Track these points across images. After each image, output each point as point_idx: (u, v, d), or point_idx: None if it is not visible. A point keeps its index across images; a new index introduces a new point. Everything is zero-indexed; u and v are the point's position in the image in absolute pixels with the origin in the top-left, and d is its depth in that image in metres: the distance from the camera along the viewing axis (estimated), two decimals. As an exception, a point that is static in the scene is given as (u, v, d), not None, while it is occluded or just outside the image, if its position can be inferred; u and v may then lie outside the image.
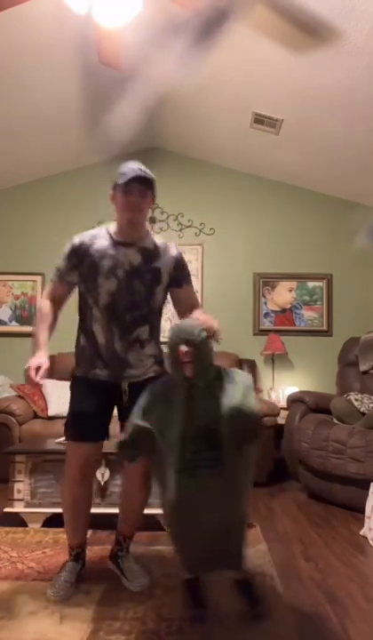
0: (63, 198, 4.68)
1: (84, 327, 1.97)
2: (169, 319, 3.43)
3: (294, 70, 3.06)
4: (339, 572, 2.12)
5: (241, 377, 1.69)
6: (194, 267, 4.44)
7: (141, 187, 1.85)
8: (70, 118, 3.79)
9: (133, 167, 1.87)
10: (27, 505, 2.67)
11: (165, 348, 1.64)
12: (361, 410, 3.34)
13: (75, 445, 1.90)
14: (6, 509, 2.67)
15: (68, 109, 3.70)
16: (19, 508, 2.66)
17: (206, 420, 1.57)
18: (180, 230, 4.61)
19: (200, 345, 1.58)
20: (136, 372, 1.92)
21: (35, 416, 3.77)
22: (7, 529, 2.56)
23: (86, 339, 1.95)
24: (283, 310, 4.62)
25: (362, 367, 3.89)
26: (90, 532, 2.44)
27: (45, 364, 1.80)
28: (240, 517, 1.68)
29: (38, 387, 1.85)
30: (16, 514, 2.66)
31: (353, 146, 3.77)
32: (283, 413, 3.74)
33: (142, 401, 1.70)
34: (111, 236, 1.94)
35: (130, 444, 1.65)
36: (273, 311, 4.62)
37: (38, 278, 4.62)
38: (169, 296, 2.04)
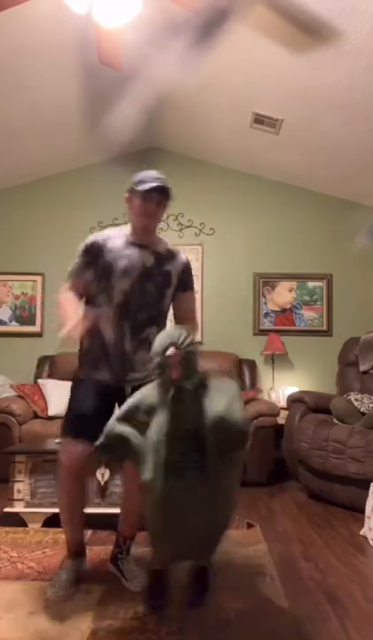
0: (63, 198, 4.68)
1: (93, 328, 1.96)
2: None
3: (294, 70, 3.06)
4: (339, 572, 2.12)
5: (226, 385, 1.71)
6: (194, 267, 4.39)
7: (160, 196, 1.92)
8: (70, 118, 3.79)
9: (153, 175, 1.92)
10: (27, 505, 2.67)
11: (152, 352, 1.65)
12: (361, 410, 3.34)
13: (73, 443, 1.89)
14: (6, 509, 2.67)
15: (68, 109, 3.70)
16: (19, 508, 2.66)
17: (193, 423, 1.58)
18: (180, 230, 4.61)
19: (186, 349, 1.61)
20: (139, 376, 1.93)
21: (35, 416, 3.77)
22: (7, 529, 2.56)
23: (93, 338, 1.95)
24: (283, 310, 4.62)
25: (362, 367, 3.90)
26: (90, 532, 2.45)
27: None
28: (223, 522, 1.70)
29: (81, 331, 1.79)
30: (16, 514, 2.66)
31: (353, 146, 3.77)
32: (283, 413, 3.75)
33: (126, 405, 1.70)
34: (126, 237, 1.99)
35: (105, 449, 1.67)
36: (273, 311, 4.62)
37: (38, 278, 4.62)
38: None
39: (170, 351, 1.59)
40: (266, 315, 4.62)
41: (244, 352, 4.45)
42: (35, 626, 1.64)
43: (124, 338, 1.92)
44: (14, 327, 4.62)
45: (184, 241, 4.54)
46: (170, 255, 2.04)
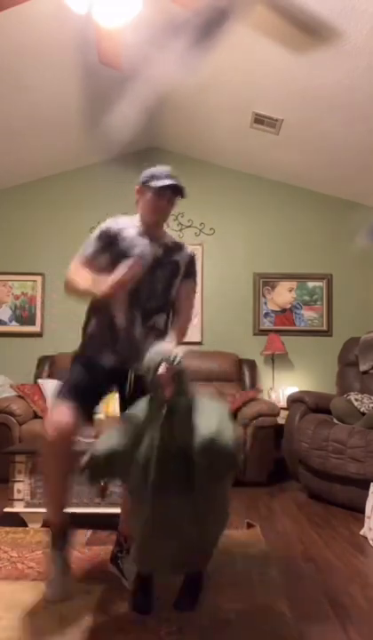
0: (63, 198, 4.68)
1: (100, 310, 1.98)
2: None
3: (294, 70, 3.06)
4: (339, 572, 2.12)
5: (217, 405, 1.70)
6: (194, 267, 4.44)
7: (172, 195, 1.98)
8: (70, 118, 3.79)
9: (167, 172, 1.97)
10: (28, 505, 2.67)
11: (144, 369, 1.63)
12: (361, 410, 3.34)
13: (63, 408, 1.81)
14: (6, 509, 2.67)
15: (68, 109, 3.70)
16: (19, 507, 2.66)
17: (183, 442, 1.56)
18: (180, 230, 4.61)
19: (179, 367, 1.60)
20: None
21: (35, 416, 3.77)
22: (7, 529, 2.56)
23: (102, 322, 1.96)
24: (283, 310, 4.62)
25: (362, 367, 3.89)
26: (90, 532, 2.45)
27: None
28: (211, 538, 1.69)
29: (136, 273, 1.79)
30: (16, 514, 2.66)
31: (353, 146, 3.77)
32: (283, 413, 3.75)
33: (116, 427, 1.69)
34: (137, 228, 2.03)
35: (93, 474, 1.67)
36: (273, 311, 4.62)
37: (38, 278, 4.62)
38: None
39: (162, 368, 1.58)
40: (266, 315, 4.62)
41: (244, 352, 4.45)
42: (35, 626, 1.64)
43: (134, 324, 1.94)
44: (14, 327, 4.62)
45: (184, 241, 4.49)
46: (177, 247, 2.11)
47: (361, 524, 2.60)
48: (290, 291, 4.62)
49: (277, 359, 4.47)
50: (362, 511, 2.61)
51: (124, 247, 1.96)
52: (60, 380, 1.97)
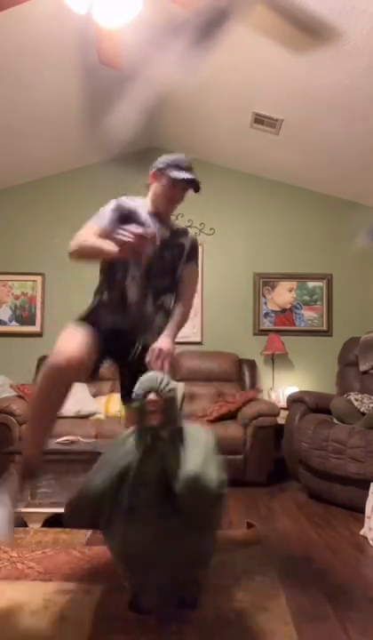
0: (63, 198, 4.68)
1: (114, 283, 2.00)
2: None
3: (294, 70, 3.06)
4: (339, 572, 2.12)
5: (204, 437, 1.68)
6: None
7: (187, 187, 2.01)
8: (70, 118, 3.79)
9: (187, 164, 1.99)
10: (28, 505, 2.66)
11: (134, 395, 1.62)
12: (361, 410, 3.34)
13: (79, 338, 1.78)
14: (6, 509, 2.66)
15: (68, 109, 3.70)
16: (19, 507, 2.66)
17: (165, 472, 1.55)
18: (180, 230, 4.60)
19: (168, 396, 1.60)
20: (151, 339, 1.97)
21: (35, 416, 3.76)
22: (7, 529, 2.56)
23: (113, 295, 1.98)
24: (283, 310, 4.62)
25: (362, 367, 3.89)
26: (90, 532, 2.45)
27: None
28: (194, 565, 1.67)
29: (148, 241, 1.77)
30: (16, 514, 2.66)
31: (353, 146, 3.77)
32: (283, 413, 3.75)
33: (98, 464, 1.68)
34: (148, 208, 2.06)
35: (69, 517, 1.67)
36: (273, 311, 4.62)
37: (38, 278, 4.62)
38: None
39: (151, 396, 1.57)
40: (266, 315, 4.62)
41: (244, 352, 4.45)
42: (35, 626, 1.64)
43: (146, 300, 1.99)
44: (14, 327, 4.62)
45: (184, 241, 4.54)
46: (183, 231, 2.16)
47: (361, 524, 2.60)
48: (290, 291, 4.63)
49: (277, 359, 4.47)
50: (362, 511, 2.61)
51: (140, 222, 1.98)
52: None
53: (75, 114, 3.72)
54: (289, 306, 4.62)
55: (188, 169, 1.99)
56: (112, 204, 2.02)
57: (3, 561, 2.17)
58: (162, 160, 2.01)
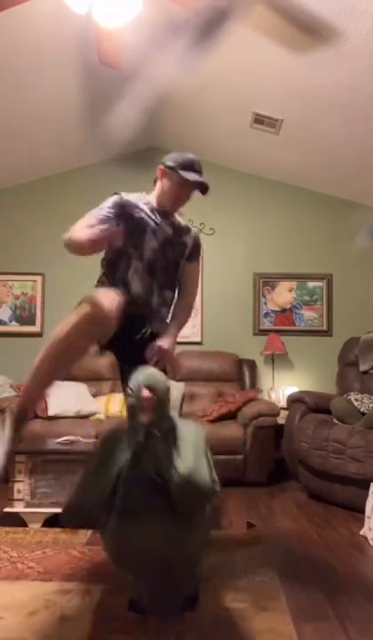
0: (63, 198, 4.68)
1: (116, 275, 2.00)
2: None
3: (294, 70, 3.06)
4: (339, 572, 2.12)
5: (196, 434, 1.68)
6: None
7: (196, 188, 2.01)
8: (70, 118, 3.79)
9: (197, 165, 2.00)
10: (27, 505, 2.67)
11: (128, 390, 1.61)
12: (361, 410, 3.34)
13: (114, 293, 1.73)
14: (6, 509, 2.67)
15: (68, 109, 3.70)
16: (19, 508, 2.66)
17: (157, 470, 1.55)
18: (180, 230, 4.61)
19: (162, 393, 1.59)
20: (156, 328, 2.00)
21: (35, 416, 3.76)
22: (7, 529, 2.56)
23: (117, 286, 1.94)
24: (283, 310, 4.62)
25: (362, 367, 3.89)
26: (90, 532, 2.45)
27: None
28: (188, 563, 1.67)
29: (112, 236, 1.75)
30: (16, 514, 2.66)
31: (353, 146, 3.77)
32: (283, 413, 3.75)
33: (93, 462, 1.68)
34: (150, 205, 2.05)
35: (68, 518, 1.67)
36: (273, 311, 4.62)
37: (38, 278, 4.62)
38: None
39: (145, 393, 1.57)
40: (266, 315, 4.62)
41: (244, 352, 4.45)
42: (35, 626, 1.64)
43: (153, 293, 2.00)
44: (14, 327, 4.62)
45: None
46: (186, 229, 2.15)
47: (361, 524, 2.60)
48: (290, 291, 4.63)
49: (277, 359, 4.47)
50: (362, 511, 2.61)
51: (142, 218, 1.99)
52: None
53: (75, 114, 3.72)
54: (289, 306, 4.62)
55: (199, 170, 2.00)
56: (111, 200, 2.00)
57: (3, 561, 2.17)
58: (173, 158, 1.99)
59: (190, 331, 4.44)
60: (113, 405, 3.90)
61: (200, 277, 2.38)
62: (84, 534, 2.46)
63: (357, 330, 4.25)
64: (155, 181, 2.07)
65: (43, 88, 3.42)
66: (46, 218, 4.67)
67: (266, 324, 4.60)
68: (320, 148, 3.91)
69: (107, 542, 1.66)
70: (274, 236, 4.68)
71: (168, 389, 1.64)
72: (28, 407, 1.79)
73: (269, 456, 3.57)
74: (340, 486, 2.99)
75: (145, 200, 2.06)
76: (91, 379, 4.07)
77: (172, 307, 2.13)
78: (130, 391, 1.62)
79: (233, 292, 4.64)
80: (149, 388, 1.58)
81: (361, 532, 2.56)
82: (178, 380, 4.07)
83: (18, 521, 2.64)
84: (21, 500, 2.67)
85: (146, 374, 1.63)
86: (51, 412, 3.74)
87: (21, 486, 2.67)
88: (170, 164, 1.99)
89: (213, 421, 3.70)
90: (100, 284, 2.07)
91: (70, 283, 4.39)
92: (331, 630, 1.64)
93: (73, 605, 1.78)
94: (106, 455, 1.66)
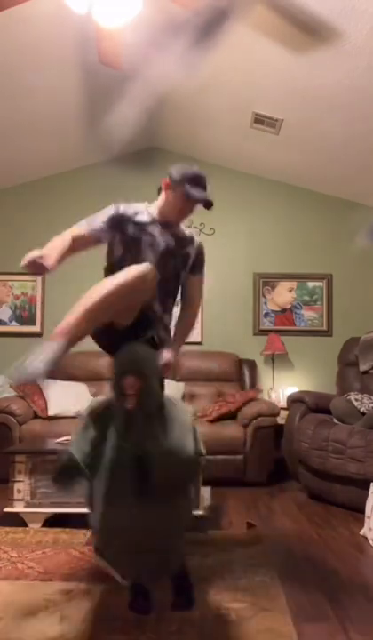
0: (63, 198, 4.68)
1: None
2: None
3: (294, 70, 3.06)
4: (339, 572, 2.12)
5: (182, 411, 1.67)
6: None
7: (200, 204, 1.98)
8: (70, 118, 3.79)
9: (205, 181, 1.99)
10: (27, 505, 2.67)
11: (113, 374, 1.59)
12: (361, 410, 3.34)
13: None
14: (6, 509, 2.67)
15: (69, 109, 3.69)
16: (19, 508, 2.66)
17: (142, 450, 1.54)
18: (180, 230, 4.60)
19: (149, 379, 1.55)
20: (161, 334, 2.00)
21: (35, 416, 3.76)
22: (7, 529, 2.56)
23: None
24: (283, 310, 4.62)
25: (362, 367, 3.89)
26: (90, 532, 2.45)
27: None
28: (175, 540, 1.68)
29: (43, 269, 1.80)
30: (16, 514, 2.66)
31: (352, 146, 3.77)
32: (283, 413, 3.75)
33: (82, 426, 1.66)
34: (151, 216, 2.03)
35: (61, 476, 1.65)
36: (273, 311, 4.62)
37: (38, 278, 4.61)
38: None
39: (129, 379, 1.53)
40: (266, 315, 4.62)
41: (244, 352, 4.45)
42: (35, 626, 1.64)
43: (155, 302, 1.97)
44: (14, 327, 4.62)
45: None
46: (190, 239, 2.11)
47: (361, 524, 2.60)
48: (290, 291, 4.63)
49: (277, 359, 4.47)
50: (362, 511, 2.61)
51: (137, 232, 1.97)
52: None
53: (75, 114, 3.71)
54: (289, 306, 4.62)
55: (204, 185, 1.99)
56: (108, 211, 2.00)
57: (3, 561, 2.17)
58: (180, 171, 1.98)
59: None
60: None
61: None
62: (84, 534, 2.46)
63: (357, 330, 4.25)
64: (159, 191, 2.06)
65: (43, 88, 3.42)
66: (46, 218, 4.67)
67: (266, 324, 4.60)
68: (320, 147, 3.91)
69: (91, 515, 1.65)
70: (274, 235, 4.68)
71: (156, 366, 1.59)
72: (72, 342, 1.69)
73: (269, 456, 3.57)
74: (340, 486, 2.99)
75: (145, 211, 2.04)
76: (91, 379, 4.07)
77: (175, 316, 2.13)
78: (113, 373, 1.56)
79: (233, 292, 4.64)
80: (136, 373, 1.54)
81: (361, 532, 2.56)
82: (178, 380, 4.07)
83: (18, 521, 2.64)
84: (21, 500, 2.67)
85: (130, 359, 1.57)
86: (51, 412, 3.74)
87: (21, 486, 2.67)
88: (176, 177, 1.97)
89: (213, 421, 3.70)
90: None
91: (70, 282, 4.39)
92: (331, 630, 1.64)
93: (73, 605, 1.78)
94: (95, 419, 1.65)
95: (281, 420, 3.69)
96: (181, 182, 1.95)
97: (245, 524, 2.67)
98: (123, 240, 1.98)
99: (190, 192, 1.93)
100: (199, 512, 2.58)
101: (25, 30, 2.85)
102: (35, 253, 1.76)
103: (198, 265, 2.15)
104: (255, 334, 4.59)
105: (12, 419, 3.55)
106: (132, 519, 1.55)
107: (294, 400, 3.67)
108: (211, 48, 2.47)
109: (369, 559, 2.28)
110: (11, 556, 2.22)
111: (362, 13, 2.53)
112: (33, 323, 4.60)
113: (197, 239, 2.17)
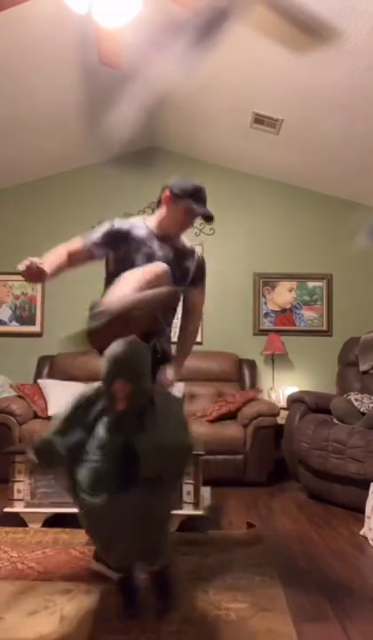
0: (63, 198, 4.68)
1: None
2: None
3: (294, 70, 3.06)
4: (339, 572, 2.12)
5: (173, 403, 1.65)
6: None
7: (200, 217, 2.00)
8: (70, 118, 3.79)
9: (204, 194, 1.99)
10: (27, 505, 2.66)
11: (102, 369, 1.55)
12: (361, 410, 3.34)
13: None
14: (6, 509, 2.67)
15: (68, 109, 3.70)
16: (19, 508, 2.66)
17: (131, 443, 1.52)
18: (180, 230, 4.60)
19: (141, 381, 1.52)
20: (164, 344, 2.02)
21: (35, 416, 3.77)
22: (7, 529, 2.56)
23: None
24: (283, 310, 4.62)
25: (362, 367, 3.89)
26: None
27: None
28: (157, 531, 1.67)
29: (41, 275, 1.85)
30: (16, 514, 2.66)
31: (352, 146, 3.77)
32: (283, 413, 3.75)
33: (67, 409, 1.64)
34: (149, 229, 2.02)
35: (39, 457, 1.62)
36: (273, 311, 4.62)
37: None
38: None
39: (118, 383, 1.49)
40: (266, 315, 4.62)
41: (244, 352, 4.45)
42: (35, 626, 1.64)
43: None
44: (14, 327, 4.62)
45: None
46: (190, 252, 2.10)
47: (361, 524, 2.60)
48: (290, 291, 4.62)
49: (277, 359, 4.47)
50: (362, 511, 2.61)
51: (134, 247, 1.97)
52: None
53: (75, 114, 3.71)
54: (289, 306, 4.62)
55: (205, 199, 1.99)
56: (106, 227, 2.00)
57: (3, 561, 2.17)
58: (181, 185, 1.98)
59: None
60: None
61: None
62: (84, 534, 2.46)
63: (357, 330, 4.25)
64: (158, 204, 2.05)
65: (43, 88, 3.42)
66: (46, 218, 4.67)
67: (266, 323, 4.60)
68: (320, 147, 3.91)
69: (78, 506, 1.65)
70: (274, 235, 4.68)
71: (147, 365, 1.55)
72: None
73: (269, 456, 3.57)
74: (340, 486, 2.99)
75: (143, 225, 2.04)
76: (91, 379, 4.05)
77: (176, 329, 2.16)
78: (104, 373, 1.52)
79: (233, 292, 4.63)
80: (128, 376, 1.50)
81: (361, 532, 2.56)
82: (178, 381, 4.06)
83: (18, 521, 2.64)
84: (21, 500, 2.67)
85: (121, 361, 1.51)
86: (50, 412, 3.74)
87: (21, 486, 2.67)
88: (178, 192, 1.97)
89: (213, 421, 3.70)
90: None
91: (70, 283, 4.39)
92: (331, 630, 1.64)
93: (73, 605, 1.78)
94: (82, 404, 1.62)
95: (281, 420, 3.69)
96: (183, 196, 1.95)
97: (245, 524, 2.67)
98: (120, 255, 1.98)
99: (193, 207, 1.94)
100: (199, 512, 2.58)
101: (25, 30, 2.85)
102: (33, 259, 1.75)
103: (199, 277, 2.14)
104: (255, 334, 4.59)
105: (12, 419, 3.55)
106: (116, 508, 1.54)
107: (294, 400, 3.67)
108: (211, 48, 2.47)
109: (369, 559, 2.28)
110: (11, 556, 2.22)
111: (362, 13, 2.53)
112: (33, 323, 4.60)
113: (198, 252, 2.16)
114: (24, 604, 1.78)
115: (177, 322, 2.23)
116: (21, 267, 1.74)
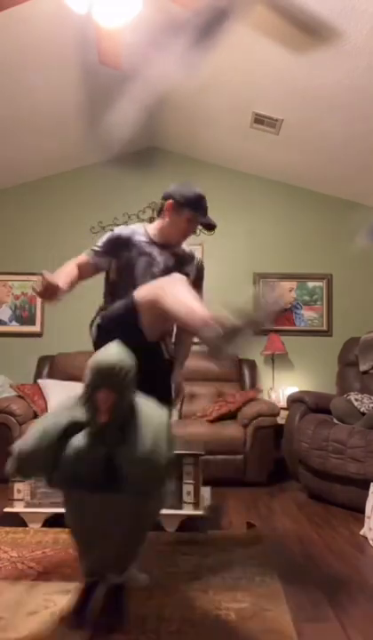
0: (63, 198, 4.68)
1: (120, 298, 2.00)
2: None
3: (294, 70, 3.06)
4: (339, 572, 2.12)
5: (155, 414, 1.59)
6: (194, 267, 4.44)
7: (201, 224, 2.04)
8: (70, 118, 3.79)
9: (205, 204, 2.03)
10: (27, 505, 2.66)
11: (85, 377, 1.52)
12: (361, 410, 3.34)
13: None
14: (6, 509, 2.66)
15: (68, 109, 3.69)
16: (19, 508, 2.66)
17: (112, 453, 1.49)
18: (180, 230, 4.60)
19: (125, 393, 1.46)
20: (167, 357, 2.05)
21: (35, 416, 3.76)
22: (7, 529, 2.56)
23: None
24: (283, 310, 4.62)
25: (362, 367, 3.89)
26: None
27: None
28: (133, 540, 1.66)
29: (57, 292, 1.84)
30: (16, 514, 2.66)
31: (352, 146, 3.77)
32: (283, 413, 3.75)
33: (49, 416, 1.63)
34: (149, 236, 2.04)
35: (17, 467, 1.62)
36: (273, 311, 4.61)
37: (38, 278, 4.60)
38: None
39: (101, 394, 1.43)
40: (266, 315, 4.61)
41: (244, 352, 4.44)
42: (35, 626, 1.64)
43: None
44: (14, 327, 4.61)
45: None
46: (189, 258, 2.13)
47: (361, 524, 2.60)
48: (290, 291, 4.62)
49: (277, 359, 4.47)
50: (362, 511, 2.61)
51: (134, 254, 1.98)
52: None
53: (75, 113, 3.71)
54: (289, 306, 4.62)
55: (206, 207, 2.02)
56: (105, 237, 2.03)
57: (3, 561, 2.17)
58: (183, 193, 2.00)
59: (190, 331, 4.43)
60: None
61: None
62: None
63: (357, 330, 4.25)
64: (160, 212, 2.06)
65: (43, 88, 3.42)
66: (46, 217, 4.67)
67: (266, 323, 4.59)
68: (320, 147, 3.91)
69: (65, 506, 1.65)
70: (274, 235, 4.68)
71: (132, 375, 1.47)
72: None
73: (269, 456, 3.57)
74: (340, 486, 2.99)
75: (143, 232, 2.05)
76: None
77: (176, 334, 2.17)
78: (86, 381, 1.47)
79: (233, 292, 4.62)
80: (112, 386, 1.44)
81: (361, 532, 2.56)
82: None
83: (18, 521, 2.64)
84: (21, 500, 2.66)
85: (105, 370, 1.45)
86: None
87: (21, 486, 2.67)
88: (180, 200, 1.99)
89: (213, 421, 3.70)
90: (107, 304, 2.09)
91: (70, 283, 4.39)
92: (331, 630, 1.63)
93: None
94: (62, 411, 1.61)
95: (281, 420, 3.69)
96: (186, 205, 1.98)
97: (245, 524, 2.67)
98: (122, 262, 2.00)
99: (197, 216, 1.98)
100: (199, 512, 2.58)
101: (25, 30, 2.85)
102: (47, 275, 1.78)
103: (197, 282, 2.15)
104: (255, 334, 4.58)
105: (12, 419, 3.55)
106: (96, 514, 1.54)
107: (294, 400, 3.67)
108: (211, 48, 2.47)
109: (369, 559, 2.28)
110: (11, 556, 2.22)
111: (362, 13, 2.53)
112: (33, 323, 4.60)
113: (198, 257, 2.19)
114: (24, 604, 1.78)
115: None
116: (38, 287, 1.74)
